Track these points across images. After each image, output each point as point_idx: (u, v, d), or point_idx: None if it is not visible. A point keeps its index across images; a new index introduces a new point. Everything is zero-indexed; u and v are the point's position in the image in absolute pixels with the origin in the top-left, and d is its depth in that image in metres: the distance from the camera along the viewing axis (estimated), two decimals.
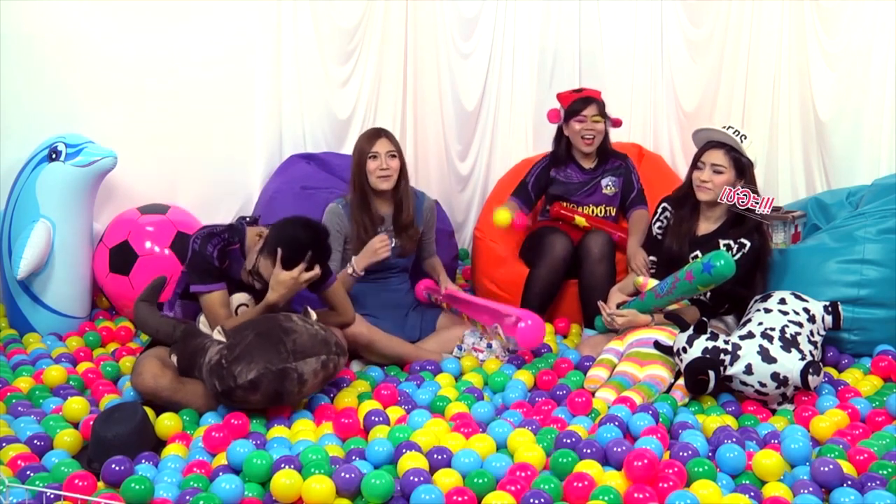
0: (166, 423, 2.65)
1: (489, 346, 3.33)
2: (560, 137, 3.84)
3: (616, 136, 4.44)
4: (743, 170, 3.18)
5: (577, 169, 3.82)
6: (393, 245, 3.41)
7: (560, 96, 3.87)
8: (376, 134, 3.40)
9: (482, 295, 4.05)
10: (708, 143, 3.23)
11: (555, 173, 3.83)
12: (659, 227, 3.37)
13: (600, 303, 3.31)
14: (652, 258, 3.39)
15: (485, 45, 4.55)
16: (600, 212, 3.82)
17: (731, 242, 3.18)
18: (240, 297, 2.98)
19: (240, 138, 3.48)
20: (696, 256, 3.18)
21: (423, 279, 3.61)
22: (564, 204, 3.82)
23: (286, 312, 2.80)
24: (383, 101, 4.49)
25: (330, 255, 2.98)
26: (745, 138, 3.18)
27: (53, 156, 3.56)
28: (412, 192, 3.52)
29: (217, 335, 2.74)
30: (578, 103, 3.73)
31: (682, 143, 4.52)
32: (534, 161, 3.97)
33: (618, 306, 3.28)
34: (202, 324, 2.93)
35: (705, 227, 3.26)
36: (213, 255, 2.86)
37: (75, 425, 2.70)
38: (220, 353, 2.64)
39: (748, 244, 3.16)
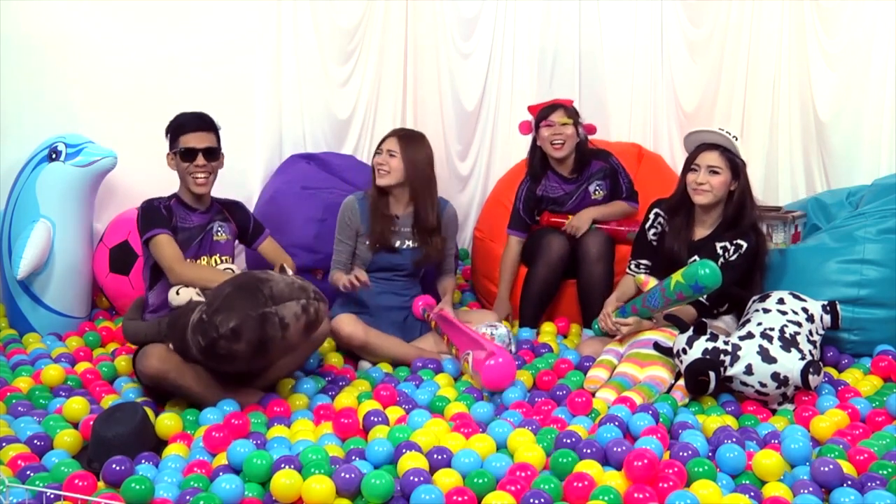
0: (166, 422, 2.65)
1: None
2: (534, 150, 3.81)
3: (616, 136, 4.46)
4: (738, 170, 3.15)
5: (559, 179, 3.78)
6: (411, 246, 3.44)
7: (531, 108, 3.85)
8: (391, 132, 3.50)
9: (482, 295, 4.06)
10: (701, 145, 3.18)
11: (541, 191, 3.80)
12: (654, 234, 3.34)
13: (603, 313, 3.28)
14: (645, 262, 3.37)
15: (485, 45, 4.55)
16: None
17: (728, 244, 3.15)
18: (224, 265, 3.14)
19: (240, 138, 3.51)
20: (695, 261, 3.15)
21: (423, 295, 3.54)
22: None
23: (263, 269, 2.89)
24: (383, 101, 4.49)
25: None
26: (737, 139, 3.15)
27: (53, 156, 3.56)
28: (438, 200, 3.51)
29: (197, 297, 2.79)
30: (546, 110, 3.73)
31: (681, 143, 4.50)
32: (518, 180, 3.92)
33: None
34: (172, 292, 2.97)
35: (700, 231, 3.23)
36: (160, 207, 3.10)
37: (75, 425, 2.70)
38: (201, 311, 2.66)
39: (745, 245, 3.13)
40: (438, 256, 3.49)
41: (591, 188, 3.79)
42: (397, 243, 3.44)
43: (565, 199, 3.78)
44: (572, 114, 3.72)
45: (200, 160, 3.12)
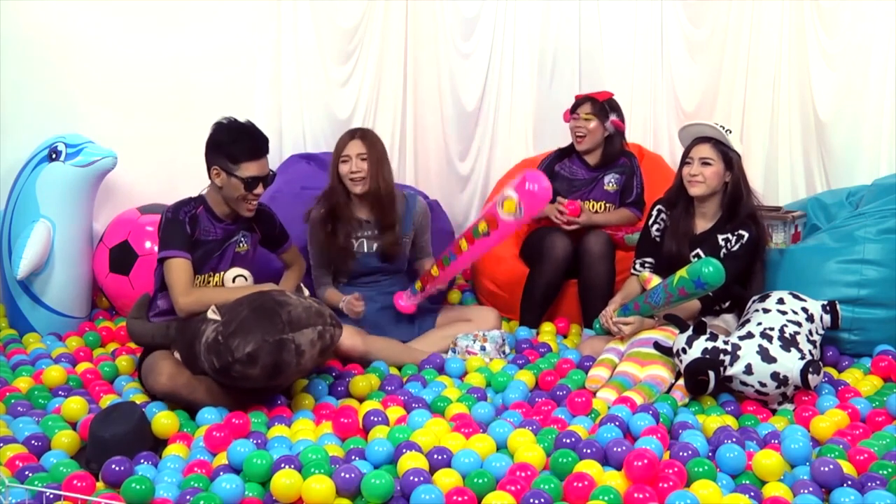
0: (163, 421, 2.64)
1: (482, 348, 3.32)
2: None
3: None
4: (731, 161, 3.19)
5: (583, 165, 3.86)
6: (376, 247, 3.42)
7: (577, 97, 3.91)
8: (348, 135, 3.41)
9: (483, 295, 4.06)
10: (695, 139, 3.24)
11: (559, 168, 3.87)
12: (657, 230, 3.35)
13: (604, 312, 3.28)
14: (650, 259, 3.38)
15: (485, 45, 4.55)
16: (600, 207, 3.83)
17: (730, 235, 3.19)
18: (235, 271, 3.02)
19: None
20: (698, 255, 3.18)
21: (396, 294, 3.46)
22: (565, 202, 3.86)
23: (280, 289, 2.83)
24: (383, 101, 4.49)
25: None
26: (730, 132, 3.20)
27: (53, 156, 3.56)
28: (402, 194, 3.51)
29: (211, 314, 2.73)
30: (577, 101, 3.81)
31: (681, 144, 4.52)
32: (535, 162, 4.01)
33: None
34: (227, 281, 2.96)
35: (702, 224, 3.26)
36: (185, 221, 2.93)
37: (73, 426, 2.69)
38: (216, 331, 2.64)
39: (746, 234, 3.17)
40: (397, 250, 3.44)
41: (607, 179, 3.84)
42: (374, 247, 3.42)
43: (580, 184, 3.84)
44: (598, 110, 3.76)
45: (260, 189, 2.96)
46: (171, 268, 2.91)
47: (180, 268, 2.90)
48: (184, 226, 2.93)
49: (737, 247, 3.16)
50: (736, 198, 3.19)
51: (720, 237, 3.20)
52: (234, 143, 2.94)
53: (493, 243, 3.20)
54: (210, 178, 3.00)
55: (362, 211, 3.43)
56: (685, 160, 3.23)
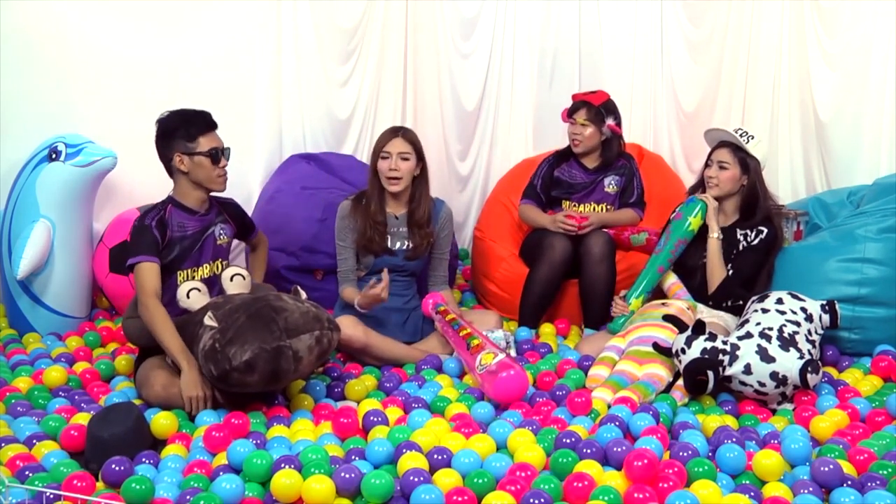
0: (162, 421, 2.65)
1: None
2: None
3: None
4: (747, 166, 3.34)
5: (581, 168, 3.85)
6: (405, 247, 3.41)
7: (574, 96, 3.90)
8: (391, 132, 3.40)
9: (482, 295, 4.06)
10: (718, 142, 3.41)
11: (558, 173, 3.87)
12: None
13: (616, 299, 3.46)
14: None
15: (485, 45, 4.55)
16: (601, 210, 3.83)
17: (749, 231, 3.35)
18: (233, 269, 2.98)
19: (240, 138, 3.52)
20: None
21: (434, 293, 3.49)
22: (566, 204, 3.86)
23: (276, 293, 2.81)
24: (383, 101, 4.49)
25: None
26: (753, 138, 3.36)
27: (53, 156, 3.55)
28: (431, 197, 3.51)
29: (208, 320, 2.70)
30: (573, 105, 3.80)
31: (681, 143, 4.52)
32: (536, 162, 4.00)
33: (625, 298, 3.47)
34: (182, 294, 2.89)
35: (723, 220, 3.41)
36: (151, 225, 2.94)
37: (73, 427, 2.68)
38: (213, 338, 2.63)
39: (765, 230, 3.33)
40: (424, 251, 3.44)
41: (606, 181, 3.84)
42: (397, 244, 3.42)
43: (579, 187, 3.85)
44: (594, 116, 3.75)
45: (224, 160, 3.04)
46: (139, 272, 2.91)
47: (147, 271, 2.90)
48: (151, 230, 2.94)
49: (756, 241, 3.33)
50: (752, 200, 3.37)
51: (739, 232, 3.36)
52: (185, 123, 3.02)
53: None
54: (174, 169, 3.04)
55: (395, 206, 3.43)
56: (707, 162, 3.42)
